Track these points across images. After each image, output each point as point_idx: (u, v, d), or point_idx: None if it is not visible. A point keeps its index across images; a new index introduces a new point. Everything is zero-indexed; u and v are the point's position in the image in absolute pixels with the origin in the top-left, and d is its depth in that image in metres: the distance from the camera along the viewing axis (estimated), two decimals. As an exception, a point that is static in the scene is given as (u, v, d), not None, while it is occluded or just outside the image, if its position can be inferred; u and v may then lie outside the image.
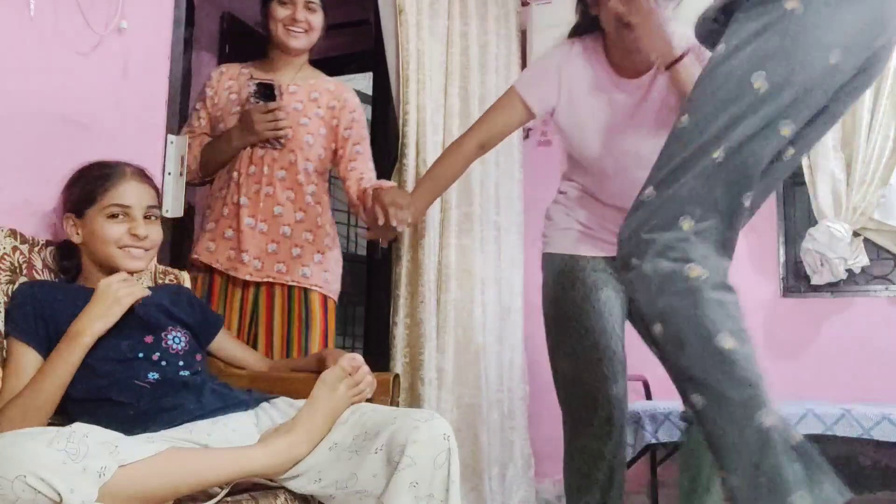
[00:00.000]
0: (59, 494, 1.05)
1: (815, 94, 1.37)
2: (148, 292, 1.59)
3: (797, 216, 3.35)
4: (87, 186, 1.62)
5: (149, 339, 1.57)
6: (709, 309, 1.39)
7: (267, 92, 2.29)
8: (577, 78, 2.10)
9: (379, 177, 2.83)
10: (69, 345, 1.48)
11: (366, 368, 1.55)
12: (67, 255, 1.66)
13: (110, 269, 1.61)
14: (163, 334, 1.60)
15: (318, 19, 2.45)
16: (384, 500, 1.33)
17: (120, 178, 1.63)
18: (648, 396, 3.30)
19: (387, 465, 1.35)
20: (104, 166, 1.66)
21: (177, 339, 1.61)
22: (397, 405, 1.70)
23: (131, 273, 1.61)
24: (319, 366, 1.69)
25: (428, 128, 2.93)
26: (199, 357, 1.66)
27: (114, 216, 1.60)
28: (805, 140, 1.52)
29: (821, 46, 1.34)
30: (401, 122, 2.87)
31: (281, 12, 2.37)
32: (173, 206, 2.11)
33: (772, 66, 1.35)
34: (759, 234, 3.35)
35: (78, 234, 1.62)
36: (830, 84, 1.39)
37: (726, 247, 1.50)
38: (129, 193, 1.62)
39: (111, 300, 1.53)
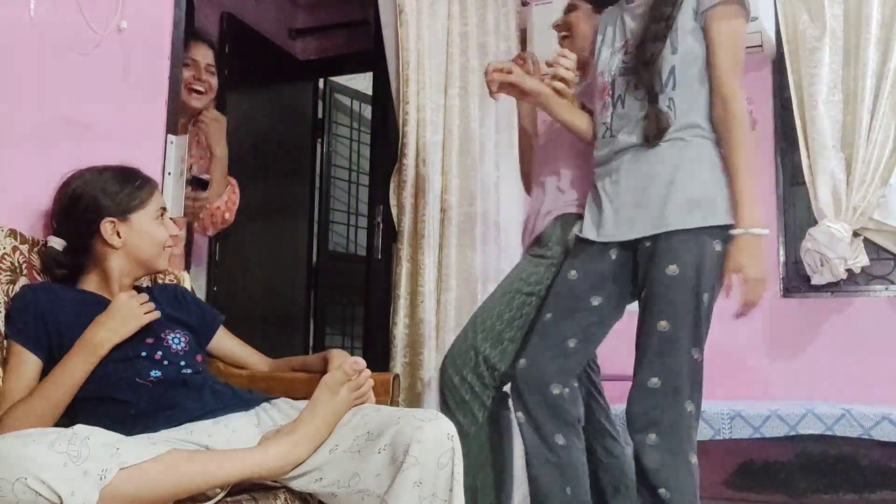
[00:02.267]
0: (59, 497, 1.05)
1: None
2: (159, 315, 1.60)
3: (797, 216, 3.34)
4: (135, 191, 1.65)
5: (150, 340, 1.57)
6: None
7: (201, 184, 2.49)
8: None
9: (379, 177, 2.84)
10: (86, 355, 1.47)
11: (367, 372, 1.56)
12: (76, 253, 1.64)
13: (143, 273, 1.69)
14: (162, 335, 1.60)
15: (216, 81, 2.65)
16: (387, 499, 1.33)
17: (155, 183, 1.71)
18: (648, 396, 3.30)
19: (390, 465, 1.35)
20: (133, 171, 1.70)
21: (177, 340, 1.62)
22: (397, 405, 1.71)
23: (165, 273, 1.74)
24: (323, 365, 1.69)
25: (428, 128, 2.93)
26: (199, 358, 1.66)
27: (157, 218, 1.67)
28: None
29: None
30: (400, 122, 2.87)
31: (184, 73, 2.45)
32: (173, 207, 2.11)
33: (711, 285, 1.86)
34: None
35: (119, 237, 1.62)
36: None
37: None
38: (162, 197, 1.72)
39: (130, 316, 1.54)
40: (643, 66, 1.92)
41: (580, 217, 2.10)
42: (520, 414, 1.99)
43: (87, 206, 1.62)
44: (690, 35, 1.93)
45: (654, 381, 1.86)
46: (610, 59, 2.05)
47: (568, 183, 2.21)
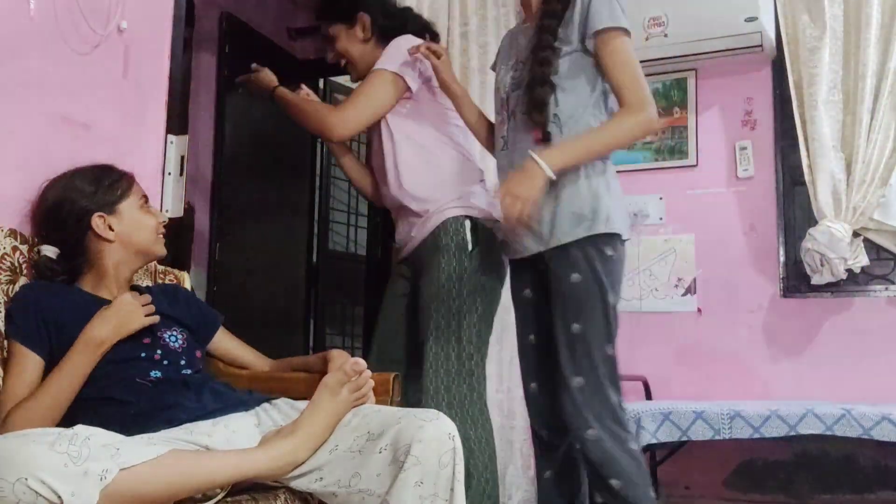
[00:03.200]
0: (59, 497, 1.05)
1: None
2: (158, 319, 1.60)
3: (797, 216, 3.34)
4: (115, 183, 1.66)
5: (146, 340, 1.57)
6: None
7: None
8: None
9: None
10: (87, 353, 1.48)
11: (368, 373, 1.56)
12: (70, 257, 1.64)
13: (142, 261, 1.71)
14: (159, 334, 1.60)
15: None
16: (389, 498, 1.33)
17: (131, 175, 1.72)
18: (648, 396, 3.30)
19: (391, 465, 1.35)
20: (107, 167, 1.70)
21: (173, 338, 1.62)
22: (397, 405, 1.71)
23: (165, 273, 1.79)
24: (323, 365, 1.69)
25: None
26: (198, 354, 1.67)
27: (143, 206, 1.69)
28: None
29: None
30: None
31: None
32: (173, 207, 2.11)
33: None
34: (759, 234, 3.35)
35: (112, 230, 1.62)
36: None
37: None
38: (141, 187, 1.72)
39: (131, 316, 1.54)
40: (528, 90, 2.02)
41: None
42: None
43: (70, 208, 1.62)
44: (575, 57, 2.01)
45: (579, 381, 1.96)
46: (504, 76, 2.16)
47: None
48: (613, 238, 1.98)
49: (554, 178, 1.92)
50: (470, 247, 2.18)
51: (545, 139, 2.01)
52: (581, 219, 1.96)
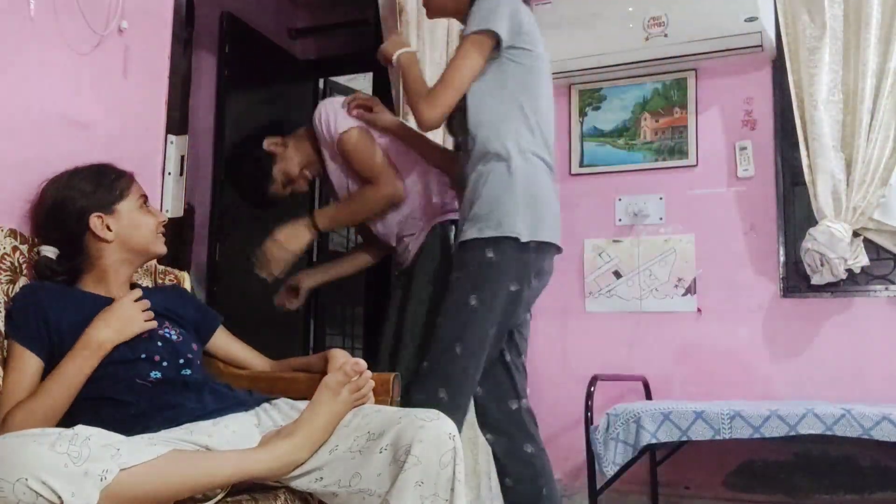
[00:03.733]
0: (60, 498, 1.05)
1: None
2: (156, 325, 1.60)
3: (797, 216, 3.34)
4: (114, 183, 1.66)
5: (145, 335, 1.57)
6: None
7: None
8: None
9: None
10: (88, 355, 1.48)
11: (368, 373, 1.56)
12: (70, 257, 1.64)
13: (142, 260, 1.71)
14: (158, 332, 1.60)
15: None
16: (389, 498, 1.33)
17: (130, 174, 1.71)
18: (648, 396, 3.31)
19: (392, 465, 1.35)
20: (106, 166, 1.70)
21: (171, 337, 1.62)
22: (397, 405, 1.71)
23: (165, 274, 1.80)
24: (323, 365, 1.69)
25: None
26: (195, 347, 1.67)
27: (142, 206, 1.69)
28: None
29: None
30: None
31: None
32: (173, 207, 2.11)
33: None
34: (759, 234, 3.35)
35: (110, 230, 1.62)
36: None
37: None
38: (140, 186, 1.72)
39: (132, 319, 1.54)
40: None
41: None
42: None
43: (70, 209, 1.62)
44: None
45: (425, 365, 2.05)
46: None
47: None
48: (502, 241, 2.02)
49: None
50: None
51: (462, 133, 2.16)
52: (477, 220, 2.04)
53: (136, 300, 1.57)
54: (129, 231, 1.65)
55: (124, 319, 1.53)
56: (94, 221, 1.61)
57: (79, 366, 1.47)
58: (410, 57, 2.25)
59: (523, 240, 2.02)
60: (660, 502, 3.27)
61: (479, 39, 2.07)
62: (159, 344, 1.59)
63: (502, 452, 2.22)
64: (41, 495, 1.04)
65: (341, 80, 4.76)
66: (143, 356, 1.55)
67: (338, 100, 2.39)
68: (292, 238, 2.36)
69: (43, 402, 1.43)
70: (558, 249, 2.16)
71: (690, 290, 3.40)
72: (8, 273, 1.57)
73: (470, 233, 2.05)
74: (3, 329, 1.52)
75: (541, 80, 2.16)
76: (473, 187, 2.08)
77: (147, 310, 1.58)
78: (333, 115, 2.33)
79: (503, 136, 2.07)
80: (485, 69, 2.10)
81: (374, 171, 2.32)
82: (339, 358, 1.68)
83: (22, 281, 1.60)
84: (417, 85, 2.17)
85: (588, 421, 2.77)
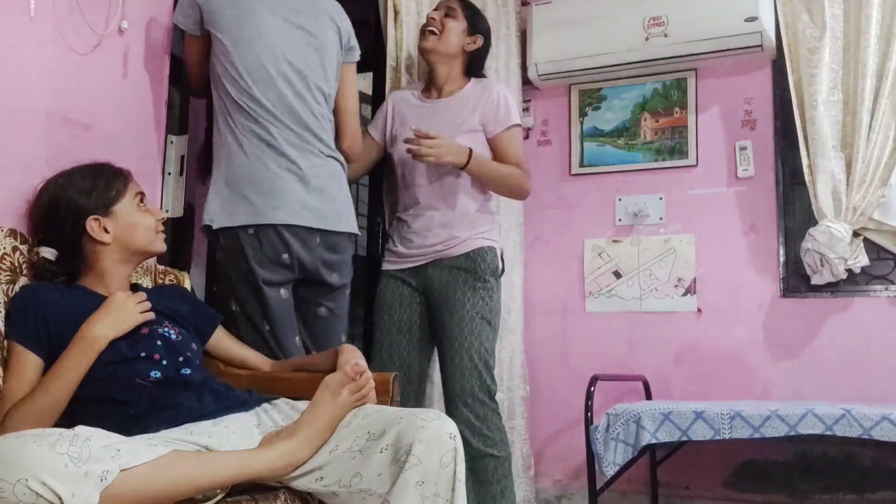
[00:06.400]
0: (60, 498, 1.05)
1: None
2: (153, 316, 1.59)
3: (797, 216, 3.34)
4: (110, 183, 1.65)
5: (144, 330, 1.57)
6: None
7: None
8: None
9: (376, 176, 2.85)
10: (84, 350, 1.48)
11: (369, 374, 1.56)
12: (68, 259, 1.64)
13: (141, 260, 1.71)
14: (157, 330, 1.60)
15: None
16: (390, 498, 1.33)
17: (127, 172, 1.70)
18: (648, 396, 3.30)
19: (392, 464, 1.35)
20: (103, 165, 1.69)
21: (170, 335, 1.62)
22: (397, 405, 1.70)
23: (165, 273, 1.80)
24: (333, 359, 1.67)
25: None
26: (195, 346, 1.66)
27: (139, 205, 1.67)
28: None
29: None
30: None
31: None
32: (173, 206, 2.11)
33: None
34: (759, 234, 3.35)
35: (107, 232, 1.61)
36: None
37: None
38: (137, 183, 1.71)
39: (126, 313, 1.54)
40: None
41: None
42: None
43: (66, 209, 1.61)
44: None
45: None
46: None
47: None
48: (212, 232, 2.12)
49: None
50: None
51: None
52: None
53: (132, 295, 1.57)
54: (127, 232, 1.64)
55: (119, 313, 1.53)
56: (91, 225, 1.61)
57: (76, 361, 1.47)
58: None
59: (215, 227, 2.11)
60: (660, 502, 3.27)
61: None
62: (158, 343, 1.59)
63: None
64: (41, 496, 1.04)
65: (341, 79, 4.75)
66: (143, 354, 1.55)
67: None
68: (452, 148, 2.46)
69: (41, 401, 1.43)
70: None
71: (690, 290, 3.40)
72: (8, 273, 1.57)
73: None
74: (3, 329, 1.52)
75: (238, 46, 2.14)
76: None
77: (142, 302, 1.58)
78: (514, 106, 2.63)
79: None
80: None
81: (526, 164, 2.59)
82: (349, 352, 1.67)
83: (22, 281, 1.60)
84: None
85: (588, 421, 2.77)
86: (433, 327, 2.57)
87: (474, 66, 2.72)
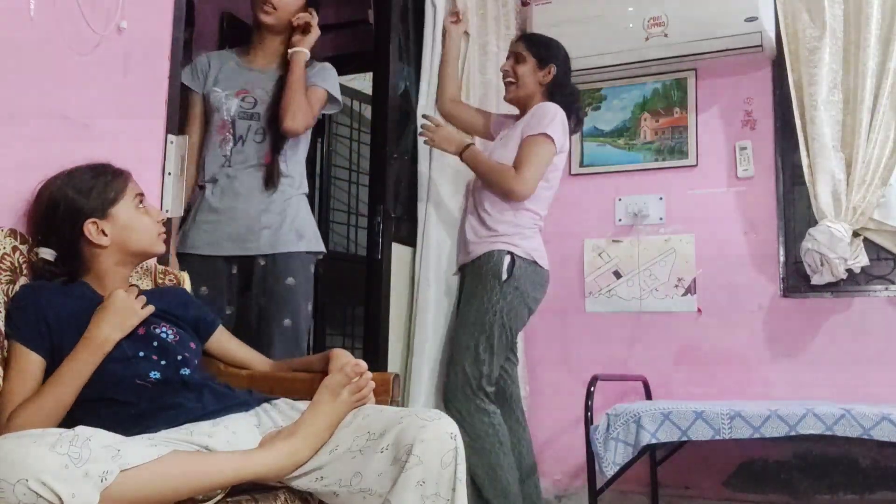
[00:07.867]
0: (60, 499, 1.05)
1: None
2: (153, 309, 1.59)
3: (797, 216, 3.34)
4: (110, 184, 1.63)
5: (141, 330, 1.57)
6: None
7: None
8: None
9: (379, 177, 2.85)
10: (92, 352, 1.47)
11: (369, 374, 1.56)
12: (67, 260, 1.64)
13: (140, 261, 1.71)
14: (153, 327, 1.60)
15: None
16: (390, 498, 1.33)
17: (127, 173, 1.69)
18: (648, 396, 3.30)
19: (393, 464, 1.35)
20: (103, 165, 1.68)
21: (166, 333, 1.61)
22: (397, 405, 1.70)
23: (165, 273, 1.79)
24: (324, 364, 1.68)
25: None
26: (193, 346, 1.66)
27: (138, 206, 1.66)
28: None
29: None
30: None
31: None
32: (173, 206, 2.11)
33: None
34: (759, 234, 3.35)
35: (105, 235, 1.61)
36: None
37: None
38: (137, 184, 1.69)
39: (129, 311, 1.53)
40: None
41: None
42: None
43: (65, 210, 1.60)
44: None
45: None
46: (227, 101, 2.46)
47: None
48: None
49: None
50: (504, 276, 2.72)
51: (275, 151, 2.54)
52: (303, 236, 2.61)
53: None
54: (126, 234, 1.63)
55: (121, 312, 1.52)
56: (89, 228, 1.60)
57: (82, 365, 1.46)
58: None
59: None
60: (660, 502, 3.27)
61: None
62: (154, 343, 1.58)
63: None
64: (42, 496, 1.04)
65: (341, 80, 4.75)
66: (142, 354, 1.55)
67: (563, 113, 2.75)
68: (452, 137, 2.79)
69: (45, 403, 1.43)
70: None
71: (690, 290, 3.40)
72: (8, 273, 1.57)
73: (301, 245, 2.55)
74: (3, 329, 1.52)
75: None
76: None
77: (139, 296, 1.58)
78: (554, 119, 2.70)
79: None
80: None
81: (528, 170, 2.67)
82: (341, 358, 1.67)
83: (22, 281, 1.59)
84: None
85: (588, 421, 2.77)
86: None
87: (555, 92, 2.86)
